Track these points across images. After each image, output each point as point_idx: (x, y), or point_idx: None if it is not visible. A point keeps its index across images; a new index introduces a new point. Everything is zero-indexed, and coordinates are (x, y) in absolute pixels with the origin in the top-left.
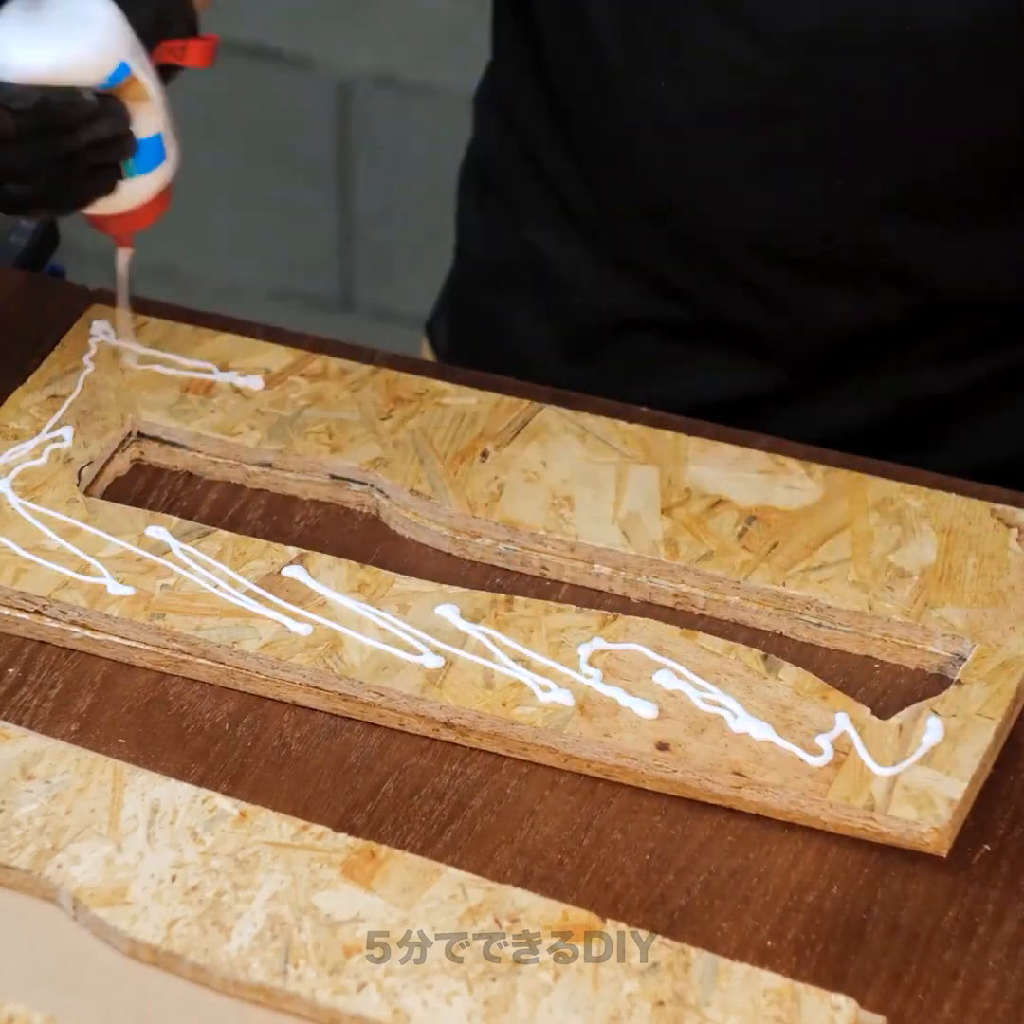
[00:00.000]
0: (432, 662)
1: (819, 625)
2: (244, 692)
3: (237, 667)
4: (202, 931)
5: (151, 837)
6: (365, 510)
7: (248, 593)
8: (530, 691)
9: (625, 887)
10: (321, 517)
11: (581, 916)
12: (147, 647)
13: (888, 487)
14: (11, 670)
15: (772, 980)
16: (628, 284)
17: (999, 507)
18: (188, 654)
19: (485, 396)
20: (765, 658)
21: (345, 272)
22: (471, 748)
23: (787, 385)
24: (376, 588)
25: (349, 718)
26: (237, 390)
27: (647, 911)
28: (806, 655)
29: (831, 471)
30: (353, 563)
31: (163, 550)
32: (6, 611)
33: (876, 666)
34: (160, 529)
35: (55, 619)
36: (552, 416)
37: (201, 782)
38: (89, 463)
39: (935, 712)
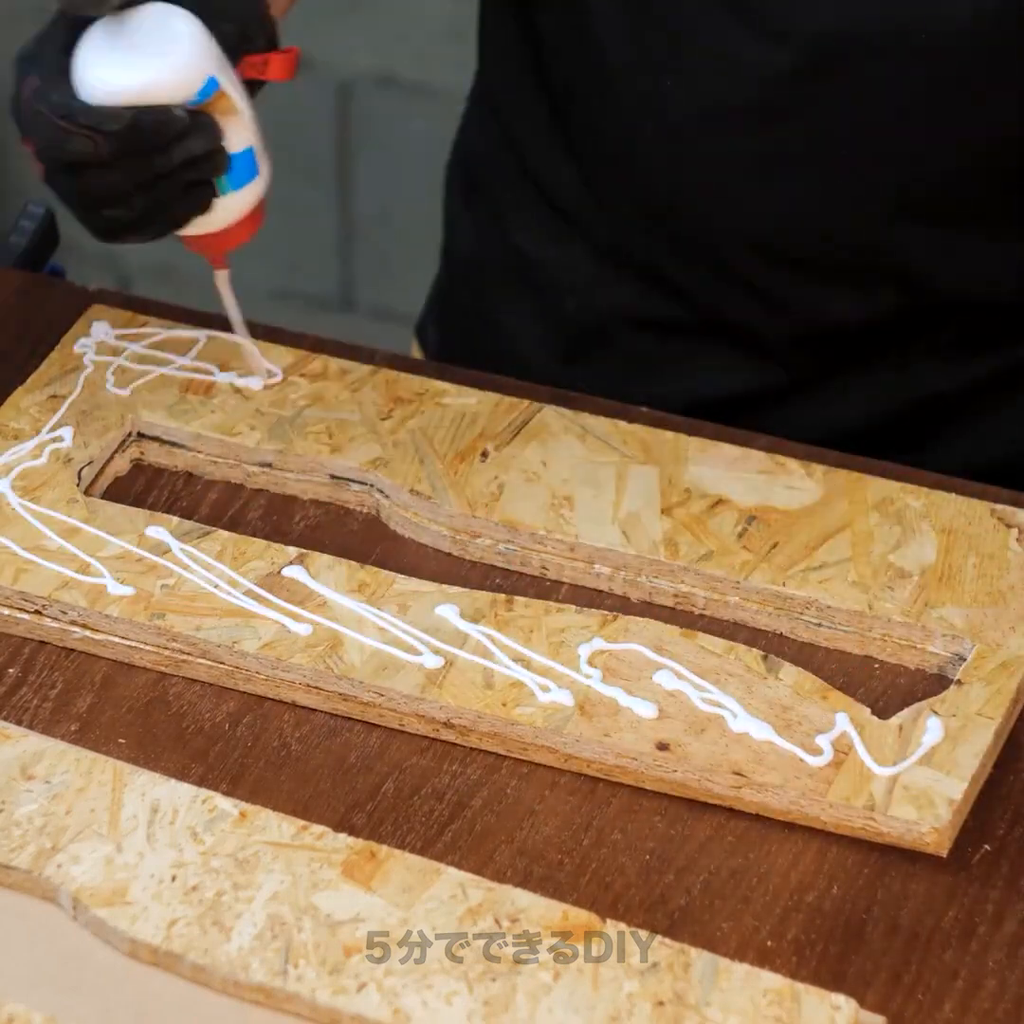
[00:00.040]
0: (432, 662)
1: (819, 625)
2: (244, 692)
3: (237, 667)
4: (202, 931)
5: (151, 837)
6: (365, 510)
7: (248, 593)
8: (530, 691)
9: (625, 887)
10: (321, 517)
11: (581, 916)
12: (147, 647)
13: (888, 487)
14: (11, 670)
15: (772, 980)
16: (625, 284)
17: (999, 507)
18: (188, 654)
19: (485, 396)
20: (765, 658)
21: (345, 272)
22: (471, 748)
23: (786, 385)
24: (376, 588)
25: (349, 718)
26: (237, 390)
27: (647, 911)
28: (806, 655)
29: (831, 471)
30: (353, 563)
31: (163, 550)
32: (6, 611)
33: (876, 666)
34: (160, 529)
35: (55, 619)
36: (552, 416)
37: (201, 782)
38: (89, 463)
39: (935, 712)
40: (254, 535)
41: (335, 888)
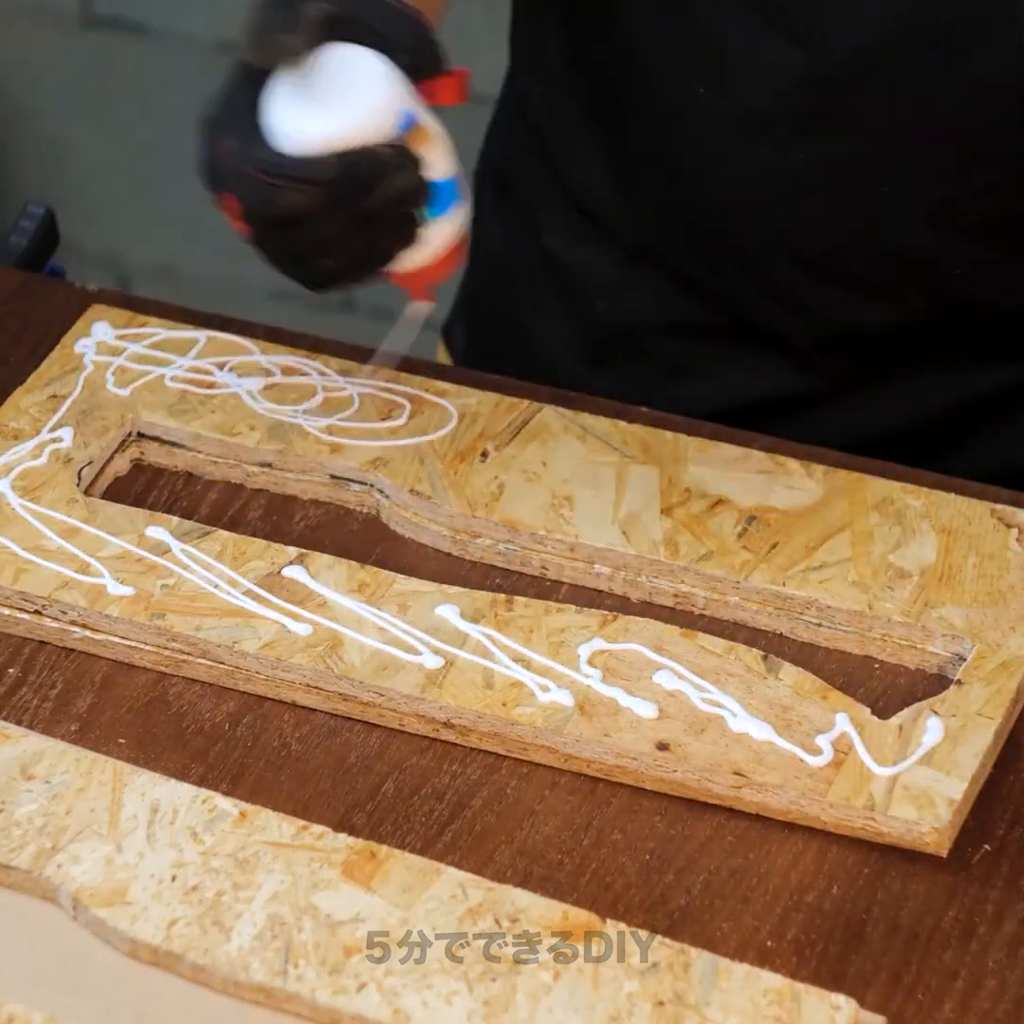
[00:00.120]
0: (432, 662)
1: (819, 625)
2: (244, 692)
3: (237, 667)
4: (202, 931)
5: (151, 837)
6: (365, 510)
7: (248, 593)
8: (530, 691)
9: (625, 887)
10: (321, 517)
11: (581, 916)
12: (147, 647)
13: (888, 487)
14: (11, 670)
15: (772, 980)
16: (654, 288)
17: (999, 507)
18: (188, 654)
19: (485, 396)
20: (765, 658)
21: None
22: (471, 748)
23: (816, 390)
24: (376, 588)
25: (349, 718)
26: (237, 390)
27: (647, 911)
28: (806, 655)
29: (831, 471)
30: (353, 563)
31: (163, 550)
32: (6, 611)
33: (876, 666)
34: (160, 529)
35: (55, 619)
36: (552, 416)
37: (201, 782)
38: (89, 463)
39: (935, 712)
40: (254, 535)
41: (335, 888)
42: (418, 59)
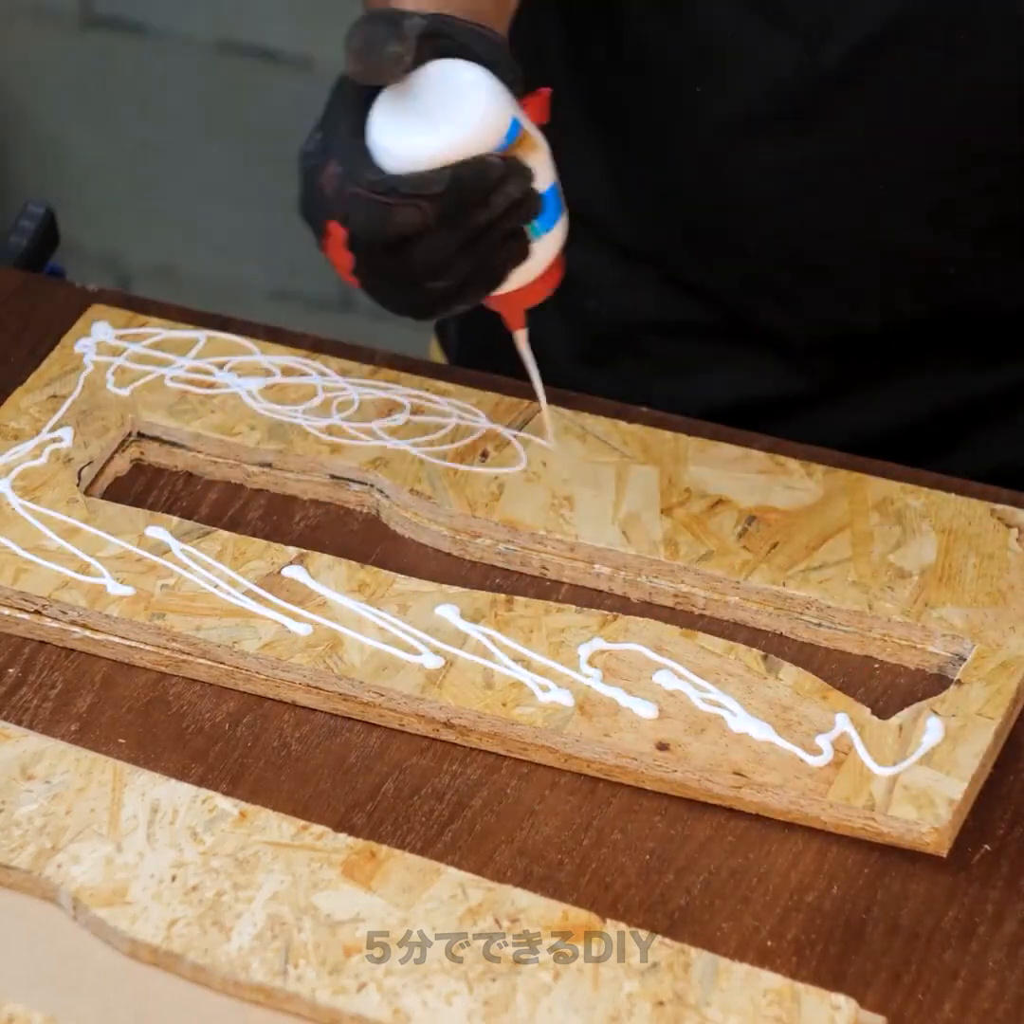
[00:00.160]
0: (432, 662)
1: (819, 625)
2: (244, 692)
3: (237, 667)
4: (202, 931)
5: (151, 837)
6: (365, 510)
7: (248, 593)
8: (530, 691)
9: (625, 887)
10: (321, 517)
11: (581, 916)
12: (147, 647)
13: (888, 487)
14: (11, 670)
15: (772, 980)
16: (650, 287)
17: (999, 507)
18: (188, 654)
19: (485, 396)
20: (765, 658)
21: None
22: (471, 748)
23: (812, 390)
24: (376, 588)
25: (349, 718)
26: (237, 390)
27: (647, 911)
28: (806, 655)
29: (831, 471)
30: (353, 563)
31: (163, 550)
32: (6, 611)
33: (876, 666)
34: (160, 529)
35: (55, 619)
36: (552, 416)
37: (201, 782)
38: (89, 463)
39: (935, 712)
40: (254, 535)
41: (335, 888)
42: (507, 78)
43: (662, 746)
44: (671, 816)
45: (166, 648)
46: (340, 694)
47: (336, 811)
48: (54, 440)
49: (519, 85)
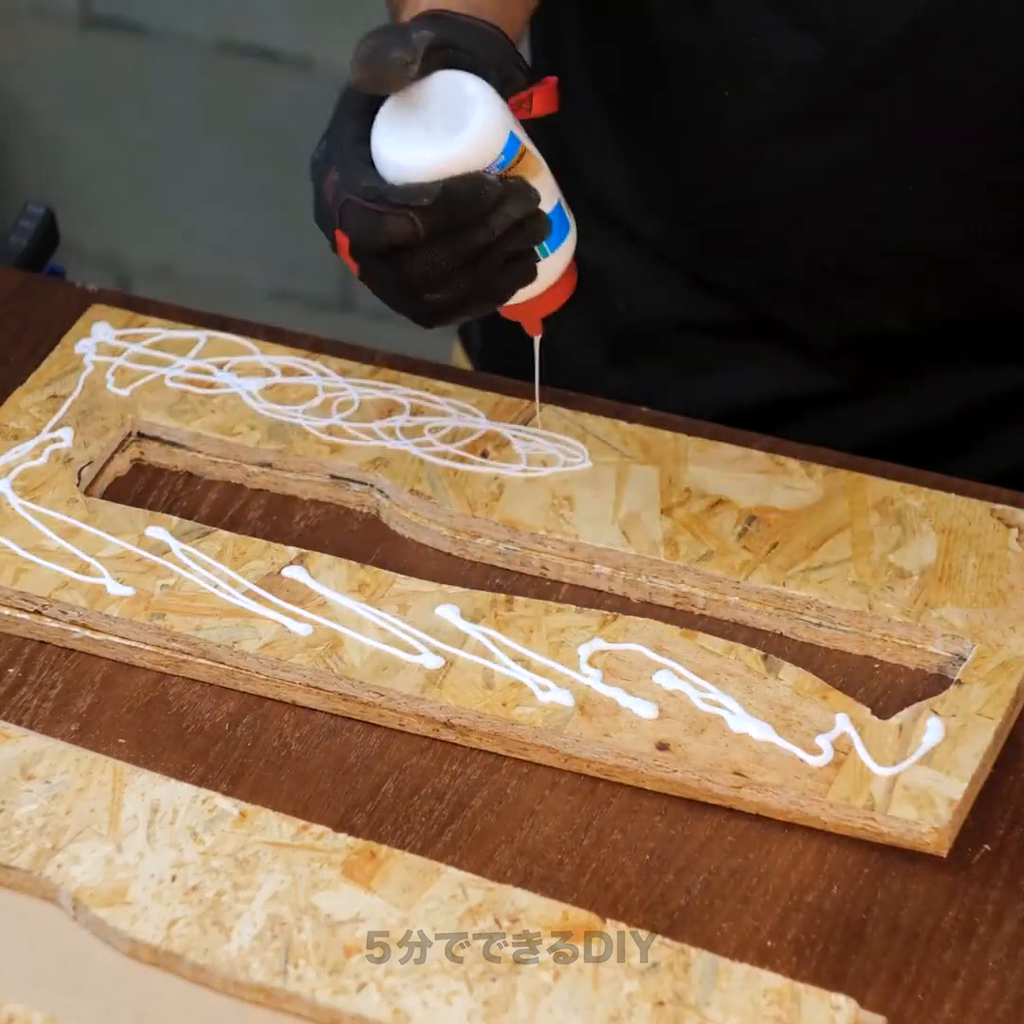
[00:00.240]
0: (432, 662)
1: (819, 625)
2: (244, 692)
3: (237, 667)
4: (202, 931)
5: (151, 837)
6: (365, 510)
7: (248, 593)
8: (530, 691)
9: (625, 887)
10: (321, 517)
11: (581, 916)
12: (147, 647)
13: (888, 487)
14: (11, 670)
15: (772, 980)
16: (673, 287)
17: (999, 507)
18: (188, 654)
19: (485, 396)
20: (765, 658)
21: (345, 272)
22: (471, 748)
23: (834, 390)
24: (376, 588)
25: (349, 718)
26: (237, 390)
27: (647, 911)
28: (806, 655)
29: (831, 471)
30: (353, 563)
31: (163, 550)
32: (6, 611)
33: (876, 666)
34: (160, 529)
35: (55, 619)
36: (552, 416)
37: (201, 782)
38: (89, 463)
39: (935, 712)
40: (254, 535)
41: (335, 888)
42: (507, 73)
43: (662, 746)
44: (671, 816)
45: (166, 648)
46: (340, 694)
47: (336, 811)
48: (54, 440)
49: (524, 77)
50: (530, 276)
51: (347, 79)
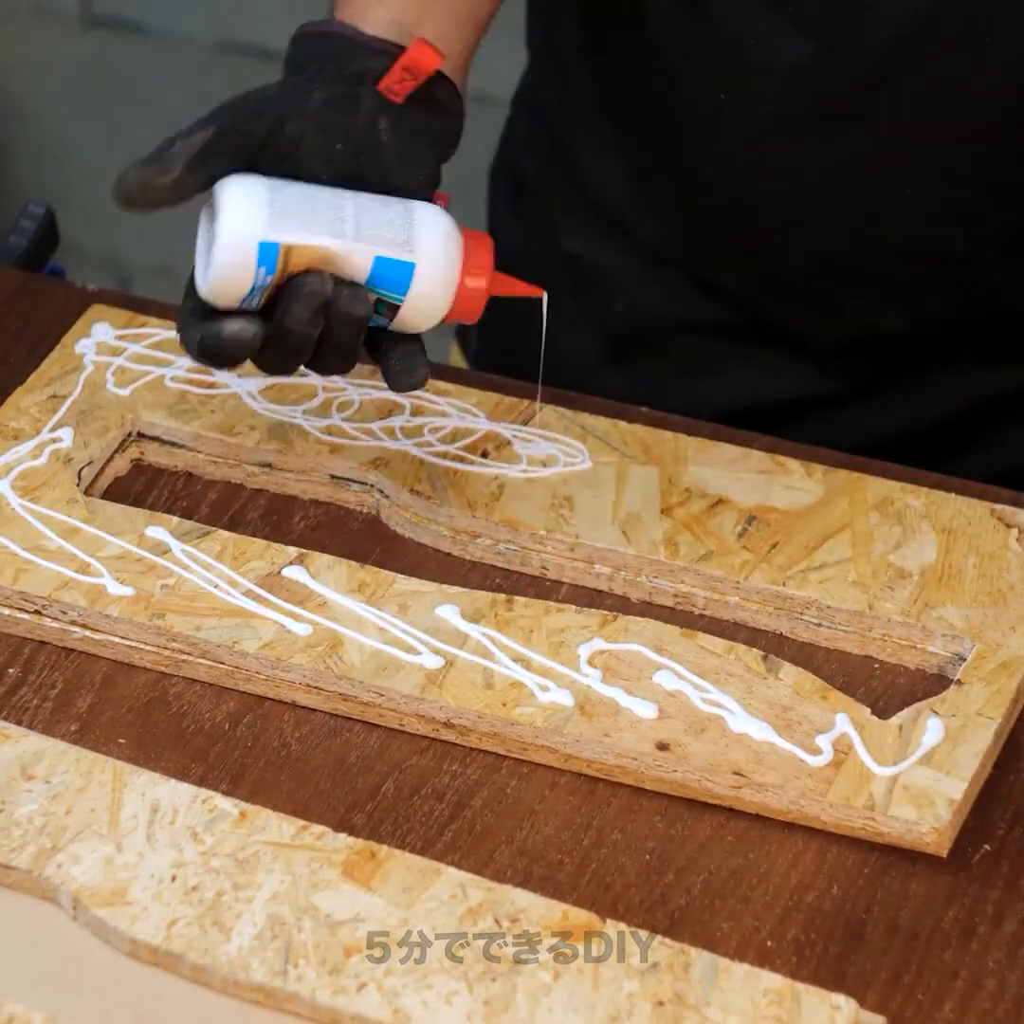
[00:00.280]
0: (432, 662)
1: (819, 625)
2: (244, 692)
3: (237, 667)
4: (202, 931)
5: (151, 837)
6: (365, 510)
7: (248, 593)
8: (530, 691)
9: (625, 887)
10: (321, 517)
11: (581, 916)
12: (147, 647)
13: (888, 487)
14: (11, 670)
15: (772, 980)
16: (673, 288)
17: (999, 507)
18: (188, 654)
19: (485, 396)
20: (765, 658)
21: None
22: (471, 748)
23: (835, 391)
24: (376, 588)
25: (349, 718)
26: (237, 390)
27: (647, 911)
28: (806, 655)
29: (831, 471)
30: (353, 563)
31: (163, 550)
32: (6, 611)
33: (876, 666)
34: (160, 529)
35: (55, 619)
36: (552, 416)
37: (201, 782)
38: (89, 463)
39: (935, 712)
40: (254, 535)
41: (335, 888)
42: (360, 68)
43: (662, 746)
44: (671, 816)
45: (166, 648)
46: (340, 694)
47: (336, 811)
48: (54, 440)
49: (385, 58)
50: (360, 345)
51: None
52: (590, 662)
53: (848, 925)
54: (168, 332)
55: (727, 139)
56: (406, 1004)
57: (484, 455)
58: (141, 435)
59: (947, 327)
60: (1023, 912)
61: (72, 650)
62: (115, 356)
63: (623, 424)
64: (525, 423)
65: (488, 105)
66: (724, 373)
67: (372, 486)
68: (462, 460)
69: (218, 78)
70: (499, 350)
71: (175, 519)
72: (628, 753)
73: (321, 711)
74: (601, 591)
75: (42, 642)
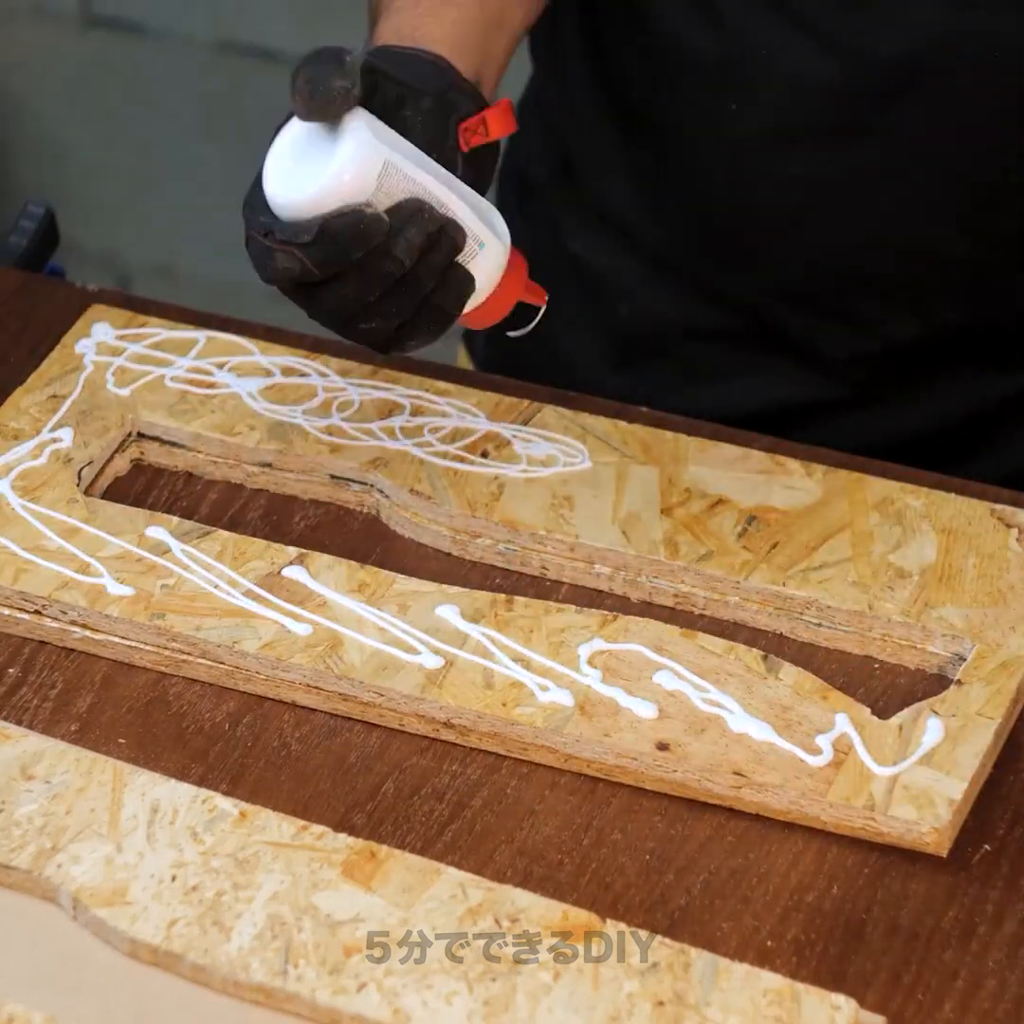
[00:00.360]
0: (432, 662)
1: (819, 625)
2: (244, 692)
3: (237, 667)
4: (202, 931)
5: (151, 837)
6: (365, 510)
7: (248, 593)
8: (530, 691)
9: (625, 887)
10: (321, 517)
11: (581, 916)
12: (147, 647)
13: (888, 487)
14: (11, 670)
15: (772, 980)
16: (679, 294)
17: (999, 507)
18: (188, 654)
19: (485, 396)
20: (765, 658)
21: None
22: (471, 748)
23: (841, 397)
24: (376, 588)
25: (349, 718)
26: (237, 390)
27: (647, 911)
28: (806, 655)
29: (831, 471)
30: (353, 563)
31: (163, 550)
32: (6, 611)
33: (876, 666)
34: (160, 529)
35: (55, 619)
36: (552, 416)
37: (201, 782)
38: (89, 463)
39: (935, 712)
40: (254, 535)
41: (335, 888)
42: (451, 100)
43: (662, 746)
44: (671, 816)
45: (166, 648)
46: (340, 694)
47: (336, 811)
48: (54, 440)
49: (472, 103)
50: (469, 283)
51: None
52: (590, 662)
53: (848, 925)
54: (168, 332)
55: (735, 148)
56: (406, 1004)
57: (484, 455)
58: (141, 435)
59: (955, 333)
60: (1023, 912)
61: (72, 650)
62: (115, 356)
63: (623, 424)
64: (525, 423)
65: None
66: (730, 379)
67: (372, 486)
68: (462, 460)
69: (218, 78)
70: (505, 352)
71: (175, 519)
72: (628, 753)
73: (321, 711)
74: (601, 591)
75: (42, 642)
